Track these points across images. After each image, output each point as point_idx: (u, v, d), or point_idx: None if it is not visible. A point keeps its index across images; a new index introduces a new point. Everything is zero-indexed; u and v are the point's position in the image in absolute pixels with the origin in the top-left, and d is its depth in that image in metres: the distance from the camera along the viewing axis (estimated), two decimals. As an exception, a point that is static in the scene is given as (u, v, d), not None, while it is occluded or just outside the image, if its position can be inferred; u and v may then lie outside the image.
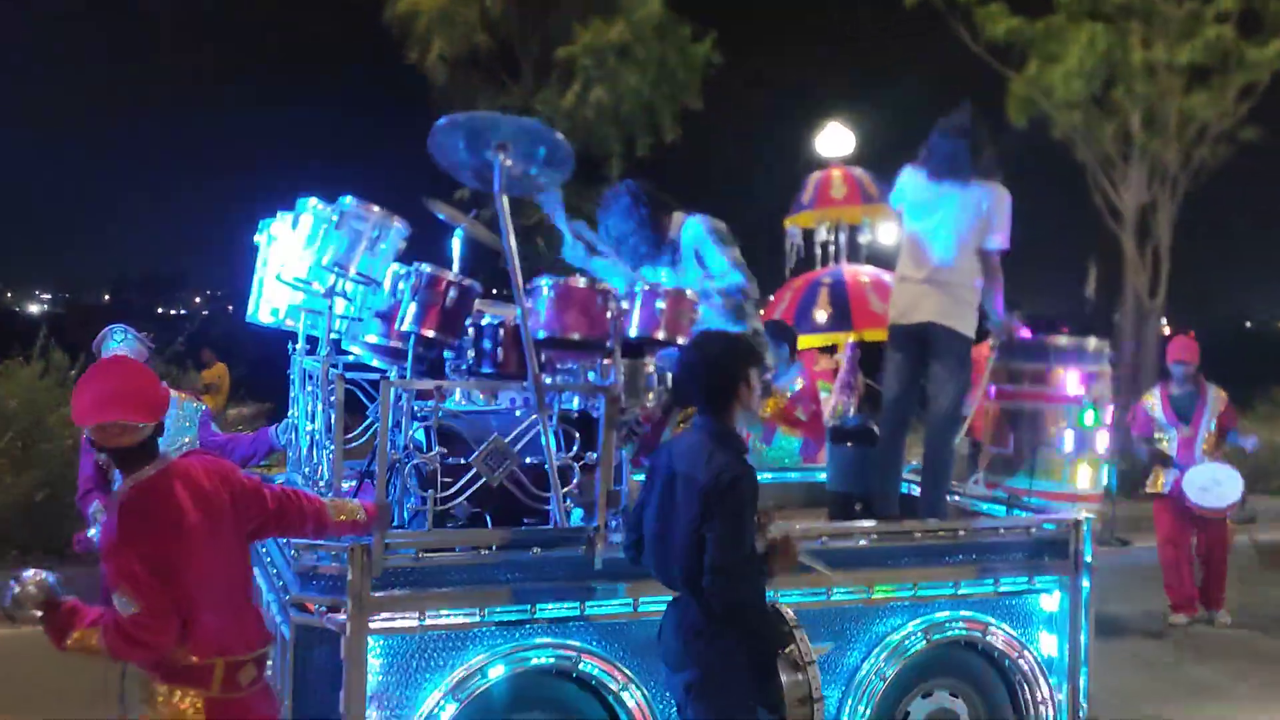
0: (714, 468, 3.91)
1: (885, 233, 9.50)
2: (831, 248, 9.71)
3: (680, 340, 4.81)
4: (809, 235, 10.27)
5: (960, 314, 5.77)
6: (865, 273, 8.91)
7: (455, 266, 5.34)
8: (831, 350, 7.76)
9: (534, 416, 4.51)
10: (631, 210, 5.47)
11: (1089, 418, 6.03)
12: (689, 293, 4.91)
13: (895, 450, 5.92)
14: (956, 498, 6.14)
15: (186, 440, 5.17)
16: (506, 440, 4.52)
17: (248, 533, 3.94)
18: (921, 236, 5.89)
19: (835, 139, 10.43)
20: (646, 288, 4.80)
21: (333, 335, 4.94)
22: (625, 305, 4.68)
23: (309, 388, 5.07)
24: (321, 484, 4.82)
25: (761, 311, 7.12)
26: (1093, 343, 6.26)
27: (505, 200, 4.38)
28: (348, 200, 4.65)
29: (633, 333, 4.74)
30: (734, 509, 3.88)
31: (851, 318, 8.33)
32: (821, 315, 8.48)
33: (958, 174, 5.79)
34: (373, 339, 4.88)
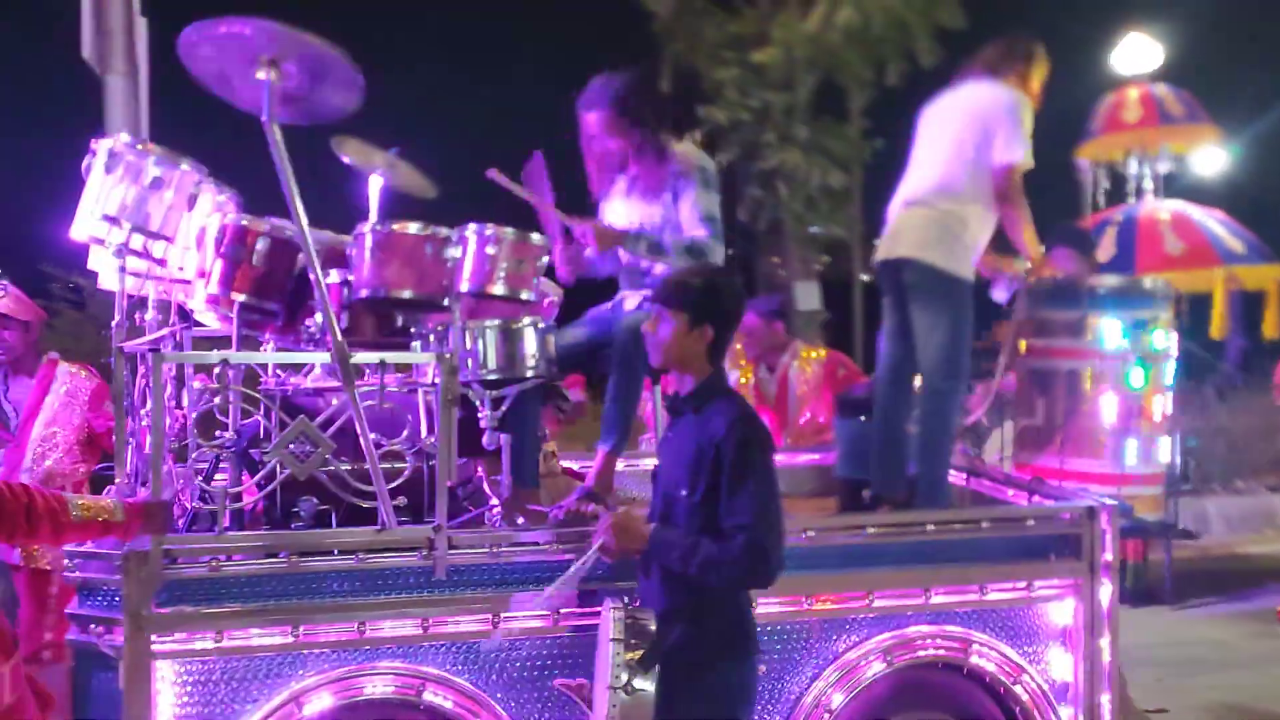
0: None
1: (1203, 160, 8.16)
2: (1148, 181, 8.49)
3: (524, 295, 3.89)
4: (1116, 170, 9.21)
5: (945, 246, 4.58)
6: (1168, 209, 7.64)
7: (373, 217, 4.53)
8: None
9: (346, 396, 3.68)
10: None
11: (1137, 378, 4.79)
12: (534, 238, 3.97)
13: (891, 418, 4.78)
14: (978, 481, 5.01)
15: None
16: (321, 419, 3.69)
17: None
18: (916, 154, 4.83)
19: (1136, 53, 9.03)
20: (487, 232, 3.88)
21: (178, 302, 4.27)
22: (456, 253, 3.79)
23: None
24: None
25: None
26: (1147, 282, 5.01)
27: (277, 129, 3.54)
28: (122, 138, 3.88)
29: (464, 286, 3.84)
30: None
31: (1135, 258, 7.28)
32: (1101, 256, 7.58)
33: (974, 73, 4.78)
34: (199, 305, 4.14)
